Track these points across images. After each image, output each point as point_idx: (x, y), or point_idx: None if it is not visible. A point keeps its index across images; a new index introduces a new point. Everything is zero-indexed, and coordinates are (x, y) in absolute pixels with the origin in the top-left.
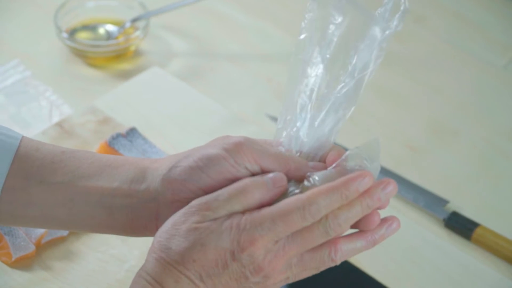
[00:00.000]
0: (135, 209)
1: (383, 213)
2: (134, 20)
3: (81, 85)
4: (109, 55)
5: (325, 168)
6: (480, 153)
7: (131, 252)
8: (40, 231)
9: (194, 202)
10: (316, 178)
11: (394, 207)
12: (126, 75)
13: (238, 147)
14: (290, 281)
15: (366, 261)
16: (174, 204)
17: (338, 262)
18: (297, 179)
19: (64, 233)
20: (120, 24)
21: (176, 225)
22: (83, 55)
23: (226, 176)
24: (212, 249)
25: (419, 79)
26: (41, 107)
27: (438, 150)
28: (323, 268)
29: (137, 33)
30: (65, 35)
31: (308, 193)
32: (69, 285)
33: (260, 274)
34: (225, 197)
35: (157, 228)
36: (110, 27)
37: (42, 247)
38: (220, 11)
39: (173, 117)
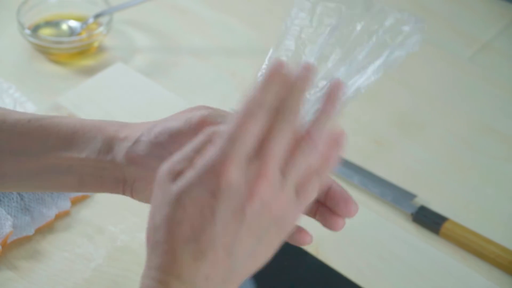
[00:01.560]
0: (103, 177)
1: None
2: (97, 16)
3: (45, 81)
4: (72, 51)
5: None
6: (447, 147)
7: (97, 251)
8: (6, 231)
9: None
10: None
11: (361, 201)
12: (89, 71)
13: (201, 122)
14: (302, 203)
15: (333, 257)
16: (138, 177)
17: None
18: None
19: (30, 232)
20: (83, 20)
21: (154, 202)
22: (46, 51)
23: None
24: (189, 203)
25: (385, 72)
26: (5, 104)
27: (404, 144)
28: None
29: (100, 29)
30: (27, 31)
31: None
32: (36, 285)
33: (254, 199)
34: (192, 148)
35: (123, 191)
36: (73, 23)
37: (7, 247)
38: (183, 6)
39: (137, 113)
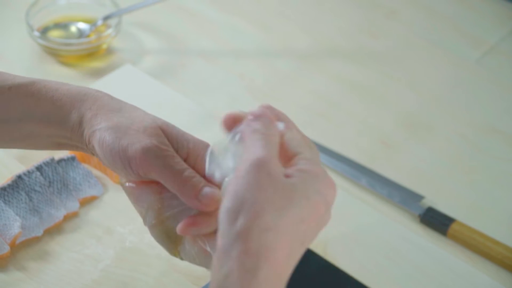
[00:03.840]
0: (77, 146)
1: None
2: (106, 18)
3: None
4: (81, 53)
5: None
6: (454, 148)
7: (106, 251)
8: (15, 231)
9: None
10: None
11: (369, 202)
12: (98, 73)
13: (140, 157)
14: None
15: (341, 258)
16: (97, 153)
17: None
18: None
19: (38, 233)
20: (92, 22)
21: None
22: (55, 53)
23: (122, 172)
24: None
25: (392, 73)
26: None
27: (412, 145)
28: None
29: (109, 31)
30: (36, 33)
31: None
32: (44, 285)
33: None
34: None
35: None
36: (82, 25)
37: (16, 248)
38: (191, 8)
39: None
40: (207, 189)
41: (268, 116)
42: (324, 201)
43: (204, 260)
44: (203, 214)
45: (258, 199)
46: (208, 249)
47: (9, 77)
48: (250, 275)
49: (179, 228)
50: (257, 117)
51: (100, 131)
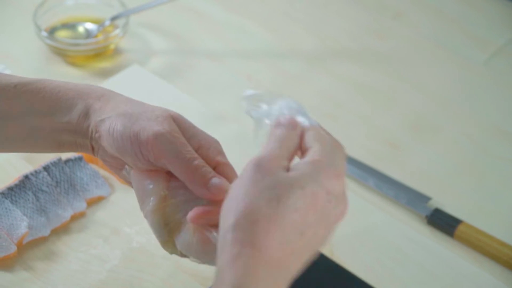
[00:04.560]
0: (77, 143)
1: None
2: (114, 18)
3: None
4: (88, 54)
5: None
6: (461, 150)
7: (113, 251)
8: (22, 231)
9: None
10: None
11: (375, 204)
12: (106, 74)
13: (152, 143)
14: None
15: (348, 259)
16: (101, 146)
17: None
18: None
19: (45, 233)
20: (99, 22)
21: (255, 185)
22: (62, 53)
23: (131, 159)
24: (309, 194)
25: (399, 75)
26: None
27: (419, 147)
28: None
29: (117, 31)
30: (44, 33)
31: None
32: (51, 285)
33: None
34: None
35: (93, 155)
36: (90, 26)
37: (23, 248)
38: (199, 9)
39: None
40: (216, 180)
41: (292, 122)
42: (323, 190)
43: (202, 249)
44: (214, 204)
45: (250, 192)
46: (214, 238)
47: (14, 77)
48: (240, 263)
49: (190, 216)
50: (280, 125)
51: (110, 119)
